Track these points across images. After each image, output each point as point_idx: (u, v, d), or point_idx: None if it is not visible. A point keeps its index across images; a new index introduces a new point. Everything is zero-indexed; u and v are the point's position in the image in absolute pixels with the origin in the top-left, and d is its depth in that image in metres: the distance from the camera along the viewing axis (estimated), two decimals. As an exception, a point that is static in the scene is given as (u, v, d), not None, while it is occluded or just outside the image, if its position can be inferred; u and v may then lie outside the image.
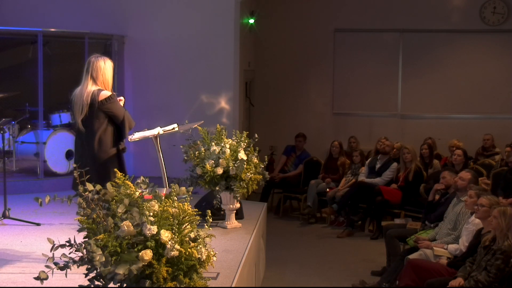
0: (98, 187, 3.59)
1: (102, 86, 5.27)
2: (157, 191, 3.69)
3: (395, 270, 6.56)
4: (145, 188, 3.70)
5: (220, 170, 6.07)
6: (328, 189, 9.92)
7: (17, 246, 5.73)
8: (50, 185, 8.81)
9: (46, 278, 3.40)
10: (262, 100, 12.25)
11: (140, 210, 3.51)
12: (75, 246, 3.47)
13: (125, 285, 3.46)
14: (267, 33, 11.98)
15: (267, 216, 8.04)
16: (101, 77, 5.26)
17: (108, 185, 3.61)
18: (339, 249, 8.64)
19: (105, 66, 5.29)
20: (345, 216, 9.60)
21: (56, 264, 3.43)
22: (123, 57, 9.85)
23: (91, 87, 5.24)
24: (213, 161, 6.10)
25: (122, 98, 5.57)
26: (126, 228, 3.43)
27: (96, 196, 3.55)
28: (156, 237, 3.45)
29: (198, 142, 6.28)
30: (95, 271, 3.45)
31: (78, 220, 3.54)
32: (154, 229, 3.45)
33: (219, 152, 6.12)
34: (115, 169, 5.25)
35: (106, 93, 5.25)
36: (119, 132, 5.37)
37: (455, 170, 7.58)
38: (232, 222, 6.42)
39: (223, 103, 9.84)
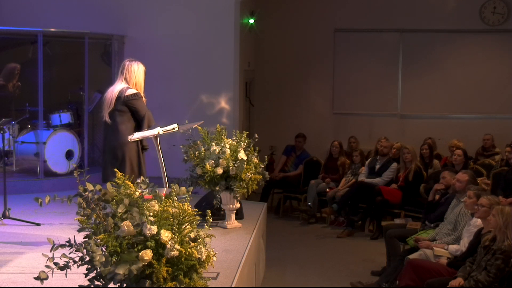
0: (98, 187, 3.59)
1: (134, 87, 5.77)
2: (157, 191, 3.69)
3: (395, 270, 6.56)
4: (145, 188, 3.70)
5: (220, 170, 6.07)
6: (328, 189, 9.92)
7: (17, 246, 5.73)
8: (50, 185, 8.81)
9: (46, 278, 3.40)
10: (262, 100, 12.25)
11: (140, 210, 3.51)
12: (75, 246, 3.47)
13: (125, 285, 3.46)
14: (267, 33, 11.98)
15: (267, 216, 8.04)
16: (134, 79, 5.77)
17: (108, 185, 3.61)
18: (339, 249, 8.64)
19: (138, 69, 5.80)
20: (345, 216, 9.60)
21: (56, 264, 3.43)
22: (123, 57, 9.82)
23: (120, 85, 5.76)
24: (213, 161, 6.10)
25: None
26: (126, 228, 3.43)
27: (96, 196, 3.55)
28: (156, 237, 3.46)
29: (198, 142, 6.28)
30: (95, 271, 3.45)
31: (78, 220, 3.54)
32: (154, 229, 3.45)
33: (219, 152, 6.12)
34: (131, 165, 5.51)
35: (133, 90, 5.73)
36: (140, 129, 5.74)
37: (455, 170, 7.57)
38: (232, 222, 6.41)
39: (223, 103, 9.84)
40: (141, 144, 5.80)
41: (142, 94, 5.81)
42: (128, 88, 5.73)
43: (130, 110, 5.71)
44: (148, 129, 5.68)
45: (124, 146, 5.71)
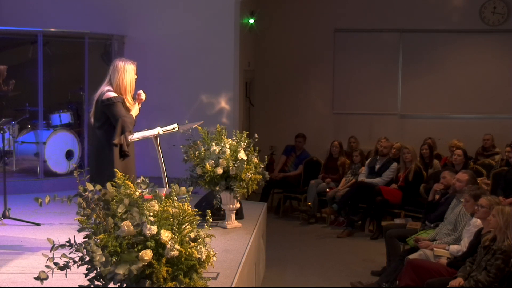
0: (98, 187, 3.59)
1: (117, 88, 5.53)
2: (157, 191, 3.69)
3: (395, 270, 6.56)
4: (145, 188, 3.70)
5: (220, 170, 6.07)
6: (328, 189, 9.92)
7: (17, 246, 5.73)
8: (50, 185, 8.81)
9: (46, 278, 3.40)
10: (262, 100, 12.25)
11: (140, 210, 3.51)
12: (75, 246, 3.47)
13: (125, 285, 3.46)
14: (267, 33, 11.98)
15: (267, 216, 8.04)
16: (117, 80, 5.53)
17: (108, 185, 3.61)
18: (339, 249, 8.64)
19: (124, 70, 5.54)
20: (345, 216, 9.60)
21: (56, 264, 3.43)
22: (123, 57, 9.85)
23: (104, 87, 5.55)
24: (213, 161, 6.10)
25: (141, 92, 5.69)
26: (126, 228, 3.43)
27: (96, 196, 3.55)
28: (156, 237, 3.45)
29: (198, 142, 6.28)
30: (95, 271, 3.45)
31: (78, 220, 3.54)
32: (154, 229, 3.45)
33: (219, 152, 6.12)
34: (102, 170, 5.40)
35: (110, 94, 5.49)
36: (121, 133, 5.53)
37: (455, 170, 7.57)
38: (232, 222, 6.41)
39: (223, 103, 9.84)
40: (120, 150, 5.53)
41: (127, 97, 5.55)
42: (108, 90, 5.50)
43: (106, 115, 5.52)
44: (122, 135, 5.48)
45: (98, 150, 5.58)
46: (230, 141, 6.25)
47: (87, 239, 3.48)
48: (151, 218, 3.49)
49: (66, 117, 9.45)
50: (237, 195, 6.21)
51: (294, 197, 10.84)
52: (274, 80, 12.30)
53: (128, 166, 5.61)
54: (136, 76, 5.69)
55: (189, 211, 3.64)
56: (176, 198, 3.66)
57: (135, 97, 5.70)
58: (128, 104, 5.58)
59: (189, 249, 3.52)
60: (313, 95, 12.35)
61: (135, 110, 5.66)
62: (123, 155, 5.55)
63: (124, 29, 9.91)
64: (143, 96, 5.69)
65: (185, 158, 6.29)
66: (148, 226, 3.44)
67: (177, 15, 9.93)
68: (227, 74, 9.85)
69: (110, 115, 5.48)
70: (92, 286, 3.48)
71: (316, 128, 12.07)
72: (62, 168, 9.13)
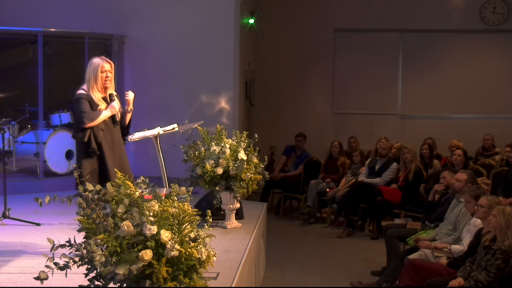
0: (98, 187, 3.59)
1: (88, 84, 5.50)
2: (157, 191, 3.69)
3: (395, 270, 6.56)
4: (145, 188, 3.70)
5: (220, 170, 6.07)
6: (328, 189, 9.91)
7: (17, 246, 5.73)
8: (50, 185, 8.81)
9: (46, 278, 3.40)
10: (262, 100, 12.25)
11: (140, 210, 3.51)
12: (75, 246, 3.47)
13: (125, 285, 3.46)
14: (267, 33, 11.98)
15: (267, 216, 8.04)
16: (86, 76, 5.53)
17: (108, 185, 3.61)
18: (339, 249, 8.64)
19: (89, 65, 5.55)
20: (345, 216, 9.60)
21: (56, 264, 3.43)
22: (123, 57, 9.85)
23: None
24: (213, 161, 6.10)
25: (128, 92, 5.63)
26: (126, 228, 3.43)
27: (96, 196, 3.55)
28: (156, 237, 3.46)
29: (198, 142, 6.28)
30: (95, 271, 3.46)
31: (78, 220, 3.54)
32: (154, 229, 3.45)
33: (219, 152, 6.12)
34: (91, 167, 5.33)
35: (80, 91, 5.47)
36: (93, 131, 5.41)
37: (455, 170, 7.57)
38: (232, 222, 6.41)
39: (223, 103, 9.85)
40: (87, 147, 5.36)
41: (94, 93, 5.42)
42: (80, 88, 5.49)
43: None
44: (79, 133, 5.36)
45: (79, 150, 5.48)
46: (230, 141, 6.25)
47: (87, 239, 3.49)
48: (151, 218, 3.49)
49: (66, 117, 9.45)
50: (237, 195, 6.21)
51: (294, 197, 10.83)
52: (274, 80, 12.30)
53: (101, 165, 5.41)
54: (106, 73, 5.49)
55: (189, 211, 3.64)
56: (176, 198, 3.66)
57: (125, 101, 5.58)
58: (96, 101, 5.43)
59: (189, 249, 3.52)
60: (313, 95, 12.35)
61: (111, 109, 5.45)
62: (91, 151, 5.36)
63: (124, 29, 9.91)
64: (129, 96, 5.57)
65: (185, 158, 6.29)
66: (148, 226, 3.44)
67: (177, 15, 9.93)
68: (227, 74, 9.85)
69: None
70: (92, 286, 3.48)
71: (316, 128, 12.07)
72: (62, 168, 9.13)
